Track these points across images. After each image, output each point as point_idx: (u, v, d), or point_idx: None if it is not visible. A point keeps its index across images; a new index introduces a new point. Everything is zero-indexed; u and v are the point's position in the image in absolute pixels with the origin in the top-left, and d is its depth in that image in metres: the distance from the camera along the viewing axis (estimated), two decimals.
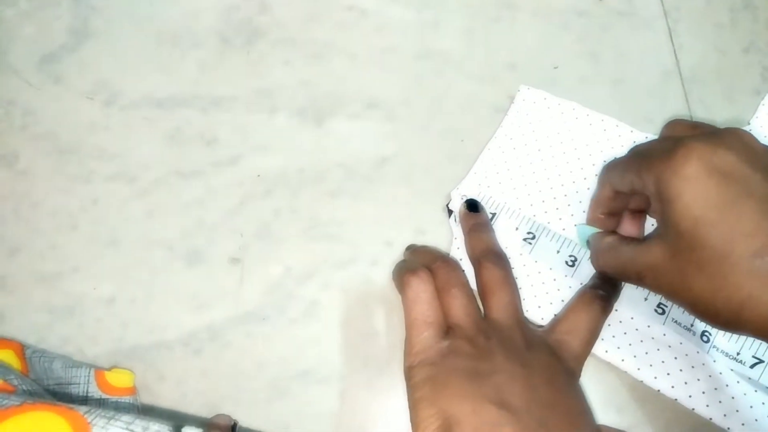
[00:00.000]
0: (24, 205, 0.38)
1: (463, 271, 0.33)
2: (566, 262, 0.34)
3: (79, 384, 0.31)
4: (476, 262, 0.33)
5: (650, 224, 0.33)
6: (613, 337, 0.33)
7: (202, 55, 0.41)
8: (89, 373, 0.31)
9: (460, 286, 0.31)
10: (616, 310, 0.33)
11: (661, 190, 0.25)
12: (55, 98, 0.41)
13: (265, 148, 0.39)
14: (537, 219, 0.35)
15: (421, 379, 0.27)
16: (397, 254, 0.36)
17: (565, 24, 0.40)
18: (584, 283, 0.34)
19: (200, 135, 0.39)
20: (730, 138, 0.25)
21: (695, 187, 0.24)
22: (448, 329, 0.29)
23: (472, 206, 0.35)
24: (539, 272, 0.34)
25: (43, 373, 0.31)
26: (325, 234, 0.36)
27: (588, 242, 0.33)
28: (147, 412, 0.33)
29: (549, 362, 0.29)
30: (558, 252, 0.34)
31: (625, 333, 0.33)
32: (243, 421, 0.32)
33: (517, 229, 0.35)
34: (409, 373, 0.28)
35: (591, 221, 0.33)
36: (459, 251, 0.35)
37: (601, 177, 0.32)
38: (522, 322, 0.31)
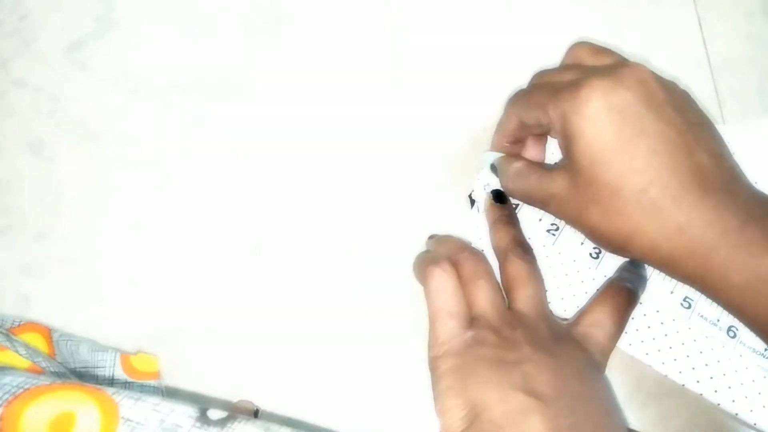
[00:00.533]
0: (49, 191, 0.38)
1: (489, 262, 0.33)
2: (590, 255, 0.34)
3: (105, 367, 0.31)
4: (502, 255, 0.32)
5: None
6: (637, 330, 0.32)
7: (228, 42, 0.41)
8: (115, 357, 0.32)
9: (485, 278, 0.31)
10: (641, 304, 0.33)
11: (565, 128, 0.27)
12: (82, 85, 0.41)
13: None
14: None
15: (447, 369, 0.27)
16: (419, 245, 0.36)
17: (591, 6, 0.40)
18: (608, 276, 0.33)
19: (223, 122, 0.39)
20: (630, 76, 0.27)
21: (595, 127, 0.26)
22: (472, 320, 0.29)
23: (499, 197, 0.35)
24: (562, 264, 0.34)
25: (70, 357, 0.32)
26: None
27: (493, 166, 0.34)
28: (171, 395, 0.33)
29: (576, 354, 0.28)
30: (582, 244, 0.34)
31: (649, 327, 0.32)
32: (267, 406, 0.33)
33: (540, 220, 0.35)
34: (433, 363, 0.28)
35: (496, 148, 0.34)
36: (481, 242, 0.35)
37: (506, 108, 0.33)
38: (547, 315, 0.31)
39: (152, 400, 0.21)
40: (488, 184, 0.36)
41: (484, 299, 0.30)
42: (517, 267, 0.31)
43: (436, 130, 0.38)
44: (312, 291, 0.35)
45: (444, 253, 0.32)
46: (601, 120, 0.26)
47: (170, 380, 0.34)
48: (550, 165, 0.33)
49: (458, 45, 0.40)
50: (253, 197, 0.37)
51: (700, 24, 0.39)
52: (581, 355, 0.29)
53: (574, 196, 0.28)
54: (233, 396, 0.33)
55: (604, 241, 0.28)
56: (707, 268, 0.25)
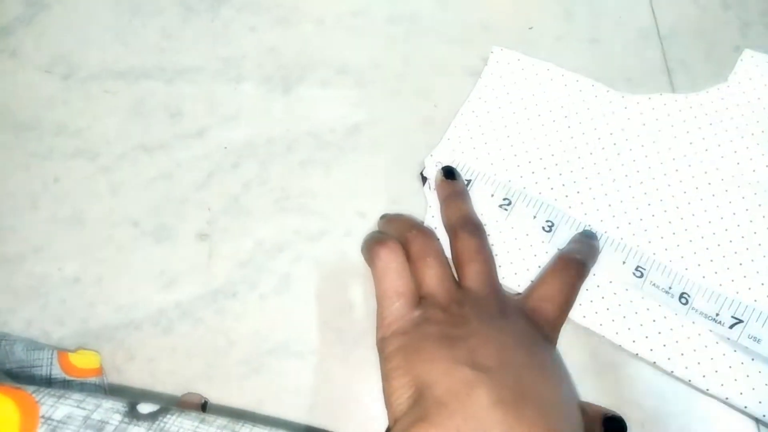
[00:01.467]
0: None
1: (438, 240, 0.32)
2: (543, 228, 0.33)
3: (41, 366, 0.30)
4: (452, 232, 0.32)
5: None
6: (591, 302, 0.32)
7: (163, 24, 0.39)
8: (52, 355, 0.30)
9: (434, 255, 0.30)
10: (594, 275, 0.32)
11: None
12: (11, 73, 0.39)
13: (232, 119, 0.37)
14: (513, 184, 0.34)
15: (394, 349, 0.26)
16: (370, 225, 0.35)
17: None
18: (559, 247, 0.33)
19: (164, 107, 0.38)
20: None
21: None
22: (420, 299, 0.29)
23: (449, 173, 0.34)
24: (515, 238, 0.33)
25: (5, 357, 0.30)
26: (296, 205, 0.35)
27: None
28: (115, 392, 0.32)
29: (524, 329, 0.28)
30: (534, 217, 0.34)
31: (602, 297, 0.32)
32: (216, 399, 0.32)
33: (492, 195, 0.34)
34: (381, 344, 0.28)
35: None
36: (434, 219, 0.34)
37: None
38: (497, 291, 0.30)
39: (76, 397, 0.20)
40: (440, 162, 0.35)
41: (432, 277, 0.29)
42: (466, 243, 0.30)
43: (389, 110, 0.37)
44: (259, 280, 0.34)
45: (393, 233, 0.31)
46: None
47: (116, 377, 0.33)
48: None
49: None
50: (199, 186, 0.36)
51: None
52: (530, 329, 0.28)
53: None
54: (182, 390, 0.32)
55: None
56: None
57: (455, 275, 0.31)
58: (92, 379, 0.30)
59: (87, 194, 0.36)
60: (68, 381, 0.29)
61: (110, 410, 0.20)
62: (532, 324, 0.28)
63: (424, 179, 0.35)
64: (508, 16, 0.38)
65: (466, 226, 0.31)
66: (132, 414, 0.20)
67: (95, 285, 0.34)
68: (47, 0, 0.40)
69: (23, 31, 0.39)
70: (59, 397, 0.20)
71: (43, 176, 0.37)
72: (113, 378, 0.33)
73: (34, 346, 0.31)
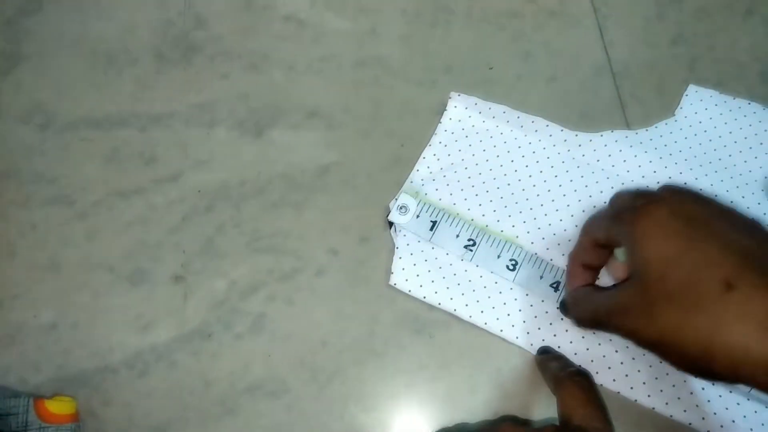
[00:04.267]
0: None
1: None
2: (507, 267, 0.34)
3: (18, 414, 0.30)
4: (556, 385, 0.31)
5: None
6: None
7: (138, 73, 0.41)
8: (28, 402, 0.30)
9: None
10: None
11: (634, 236, 0.26)
12: None
13: (206, 163, 0.38)
14: (476, 223, 0.36)
15: None
16: (342, 262, 0.36)
17: (499, 25, 0.41)
18: (524, 286, 0.34)
19: (139, 154, 0.39)
20: (689, 193, 0.28)
21: (664, 230, 0.25)
22: None
23: (546, 351, 0.34)
24: (481, 276, 0.35)
25: None
26: (269, 246, 0.36)
27: (562, 303, 0.33)
28: None
29: None
30: (498, 257, 0.35)
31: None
32: None
33: (457, 236, 0.35)
34: None
35: (571, 273, 0.33)
36: (401, 261, 0.35)
37: (582, 230, 0.32)
38: None
39: None
40: (404, 205, 0.36)
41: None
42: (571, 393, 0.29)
43: (357, 151, 0.38)
44: (233, 321, 0.35)
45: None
46: (670, 223, 0.26)
47: (92, 422, 0.33)
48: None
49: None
50: (174, 229, 0.37)
51: (601, 32, 0.40)
52: None
53: (642, 301, 0.25)
54: None
55: (678, 347, 0.24)
56: None
57: None
58: (68, 425, 0.31)
59: (63, 241, 0.37)
60: (44, 427, 0.30)
61: None
62: None
63: (390, 224, 0.36)
64: (469, 57, 0.40)
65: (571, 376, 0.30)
66: None
67: (71, 330, 0.35)
68: (25, 51, 0.41)
69: (1, 82, 0.41)
70: None
71: (20, 224, 0.37)
72: (89, 423, 0.33)
73: (9, 393, 0.31)
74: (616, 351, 0.33)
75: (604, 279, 0.33)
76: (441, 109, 0.39)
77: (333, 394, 0.33)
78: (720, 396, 0.31)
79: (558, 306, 0.33)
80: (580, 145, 0.37)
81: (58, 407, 0.31)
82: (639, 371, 0.32)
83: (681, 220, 0.26)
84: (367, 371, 0.34)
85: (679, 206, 0.26)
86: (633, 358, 0.32)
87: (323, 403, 0.33)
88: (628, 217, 0.27)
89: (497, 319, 0.34)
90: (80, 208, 0.38)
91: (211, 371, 0.34)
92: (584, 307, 0.30)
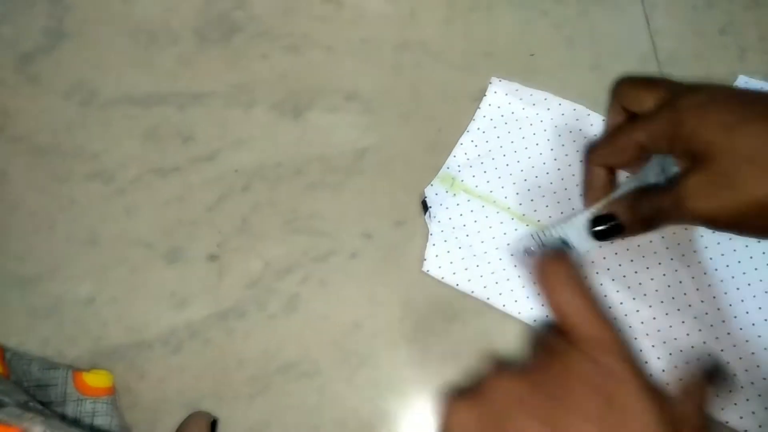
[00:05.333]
0: (1, 207, 0.38)
1: None
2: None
3: (57, 385, 0.31)
4: None
5: None
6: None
7: (178, 52, 0.41)
8: (67, 374, 0.31)
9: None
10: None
11: (686, 124, 0.26)
12: (32, 99, 0.40)
13: (243, 143, 0.38)
14: (513, 213, 0.35)
15: None
16: (377, 246, 0.36)
17: (542, 11, 0.40)
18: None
19: (178, 132, 0.39)
20: (723, 87, 0.28)
21: (714, 105, 0.26)
22: None
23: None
24: (515, 266, 0.34)
25: (23, 375, 0.31)
26: (305, 227, 0.36)
27: (597, 218, 0.31)
28: (126, 412, 0.33)
29: None
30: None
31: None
32: (224, 418, 0.32)
33: (492, 226, 0.35)
34: None
35: (596, 155, 0.31)
36: (435, 248, 0.35)
37: (612, 97, 0.32)
38: None
39: None
40: (437, 193, 0.36)
41: None
42: None
43: (395, 135, 0.38)
44: (268, 301, 0.35)
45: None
46: (716, 99, 0.26)
47: (127, 396, 0.33)
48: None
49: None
50: (210, 208, 0.37)
51: (647, 20, 0.39)
52: None
53: (720, 177, 0.25)
54: (191, 409, 0.32)
55: (755, 213, 0.25)
56: None
57: None
58: (105, 398, 0.31)
59: (102, 216, 0.37)
60: (82, 399, 0.30)
61: None
62: None
63: (425, 208, 0.36)
64: (510, 43, 0.40)
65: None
66: None
67: (108, 305, 0.35)
68: (67, 29, 0.42)
69: (44, 58, 0.41)
70: None
71: (60, 198, 0.38)
72: (124, 397, 0.33)
73: (49, 365, 0.31)
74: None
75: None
76: (480, 95, 0.38)
77: (365, 377, 0.33)
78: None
79: (590, 227, 0.31)
80: None
81: (95, 380, 0.31)
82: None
83: (724, 95, 0.26)
84: (399, 356, 0.34)
85: (711, 88, 0.27)
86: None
87: (355, 386, 0.33)
88: (664, 124, 0.27)
89: (531, 309, 0.33)
90: (119, 184, 0.38)
91: (244, 350, 0.34)
92: (640, 209, 0.29)
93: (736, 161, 0.25)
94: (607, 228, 0.30)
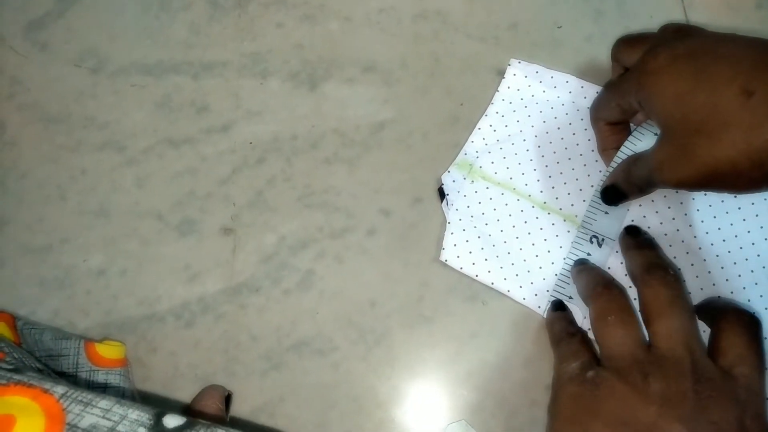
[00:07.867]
0: (11, 177, 0.37)
1: (628, 298, 0.28)
2: (560, 247, 0.33)
3: (69, 356, 0.30)
4: (639, 280, 0.28)
5: None
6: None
7: (191, 19, 0.39)
8: (79, 344, 0.30)
9: (616, 313, 0.27)
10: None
11: (645, 94, 0.27)
12: (42, 66, 0.39)
13: (258, 114, 0.37)
14: (534, 200, 0.34)
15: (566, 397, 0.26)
16: (394, 223, 0.35)
17: None
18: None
19: (191, 102, 0.38)
20: (684, 29, 0.30)
21: (669, 74, 0.26)
22: (600, 360, 0.27)
23: (634, 232, 0.31)
24: (537, 256, 0.33)
25: (35, 345, 0.31)
26: (321, 202, 0.35)
27: (610, 188, 0.31)
28: (139, 384, 0.32)
29: (728, 409, 0.24)
30: (556, 236, 0.33)
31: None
32: (236, 393, 0.32)
33: (511, 214, 0.34)
34: (551, 407, 0.28)
35: (594, 110, 0.33)
36: (453, 236, 0.34)
37: (612, 55, 0.33)
38: (695, 357, 0.25)
39: (104, 404, 0.20)
40: (454, 180, 0.35)
41: (611, 338, 0.26)
42: (654, 293, 0.27)
43: (414, 109, 0.37)
44: (282, 276, 0.34)
45: (579, 288, 0.31)
46: (673, 65, 0.26)
47: (139, 369, 0.33)
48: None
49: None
50: (224, 181, 0.36)
51: None
52: (732, 411, 0.24)
53: (676, 148, 0.26)
54: (203, 384, 0.32)
55: (728, 170, 0.25)
56: None
57: (644, 334, 0.27)
58: (117, 370, 0.30)
59: (113, 187, 0.37)
60: (94, 370, 0.30)
61: (135, 422, 0.20)
62: (734, 402, 0.24)
63: (441, 196, 0.35)
64: (536, 14, 0.38)
65: (654, 272, 0.27)
66: (157, 428, 0.20)
67: (119, 277, 0.35)
68: None
69: (54, 25, 0.40)
70: (86, 405, 0.20)
71: (71, 168, 0.37)
72: (136, 370, 0.33)
73: (61, 335, 0.31)
74: None
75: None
76: (503, 68, 0.37)
77: (380, 356, 0.33)
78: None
79: (600, 195, 0.32)
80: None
81: (107, 351, 0.31)
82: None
83: (682, 58, 0.26)
84: (415, 336, 0.33)
85: (676, 47, 0.27)
86: None
87: (370, 364, 0.32)
88: (631, 84, 0.28)
89: (549, 304, 0.32)
90: (130, 154, 0.37)
91: (257, 325, 0.33)
92: (632, 177, 0.30)
93: (688, 133, 0.26)
94: (613, 197, 0.31)
